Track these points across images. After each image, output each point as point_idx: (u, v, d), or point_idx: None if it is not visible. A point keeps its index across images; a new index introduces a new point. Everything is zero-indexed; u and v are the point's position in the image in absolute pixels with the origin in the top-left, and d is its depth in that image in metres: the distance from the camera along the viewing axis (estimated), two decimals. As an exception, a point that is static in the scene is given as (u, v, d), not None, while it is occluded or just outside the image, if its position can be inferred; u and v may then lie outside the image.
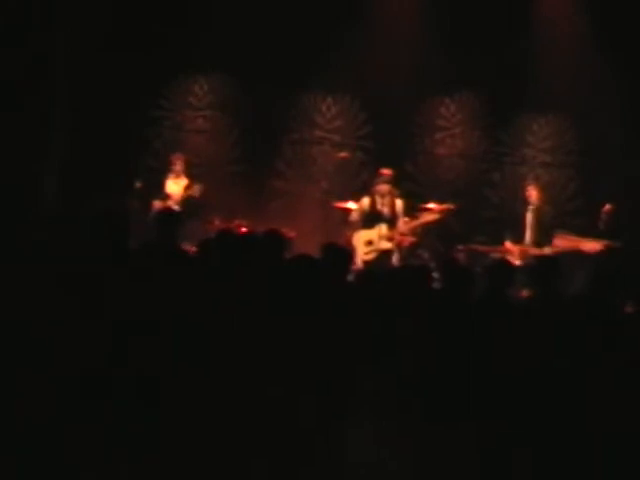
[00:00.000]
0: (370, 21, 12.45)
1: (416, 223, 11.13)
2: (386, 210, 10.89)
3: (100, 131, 11.98)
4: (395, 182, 11.66)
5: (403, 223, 11.00)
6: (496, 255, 10.91)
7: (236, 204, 12.09)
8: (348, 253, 6.11)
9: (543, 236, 11.08)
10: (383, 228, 10.79)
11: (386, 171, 11.61)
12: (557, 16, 12.50)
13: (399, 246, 11.11)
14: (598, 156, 12.83)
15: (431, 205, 11.68)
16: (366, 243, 10.80)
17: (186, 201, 11.35)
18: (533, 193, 11.46)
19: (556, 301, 5.94)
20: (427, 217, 11.17)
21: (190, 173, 11.62)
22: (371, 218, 10.85)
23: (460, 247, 11.63)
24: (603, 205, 11.32)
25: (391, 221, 10.90)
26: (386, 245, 10.76)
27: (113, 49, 11.96)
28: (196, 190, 11.32)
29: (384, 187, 10.85)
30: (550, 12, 12.52)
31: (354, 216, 11.05)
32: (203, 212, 11.60)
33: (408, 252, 11.25)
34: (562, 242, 11.12)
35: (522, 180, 12.67)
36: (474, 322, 5.37)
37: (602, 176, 12.65)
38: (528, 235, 11.21)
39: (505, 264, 6.65)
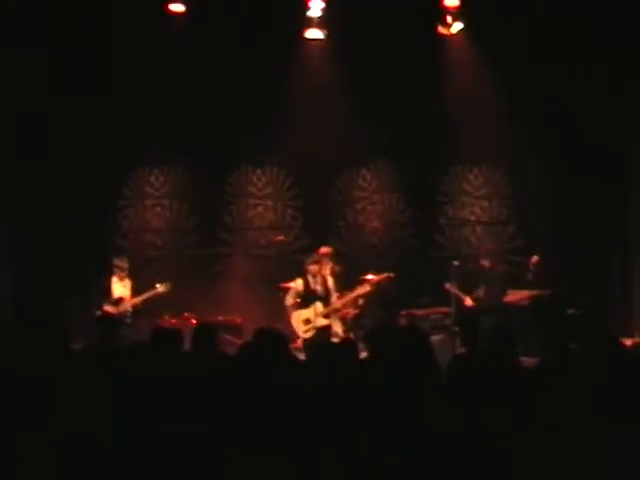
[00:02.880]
0: (291, 101, 12.95)
1: (348, 298, 11.49)
2: (319, 288, 11.24)
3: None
4: (333, 258, 12.19)
5: (336, 299, 11.37)
6: (436, 317, 11.38)
7: (186, 297, 12.46)
8: (280, 335, 6.43)
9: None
10: (318, 306, 11.13)
11: (325, 249, 12.10)
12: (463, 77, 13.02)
13: (343, 319, 11.51)
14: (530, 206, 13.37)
15: (369, 276, 12.13)
16: (304, 322, 11.15)
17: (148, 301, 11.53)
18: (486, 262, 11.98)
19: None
20: (359, 290, 11.52)
21: (134, 273, 11.85)
22: (306, 297, 11.19)
23: (402, 312, 12.02)
24: (530, 257, 11.86)
25: (325, 298, 11.24)
26: (323, 322, 11.08)
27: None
28: (164, 287, 11.46)
29: (314, 267, 11.18)
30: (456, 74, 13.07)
31: (288, 298, 11.40)
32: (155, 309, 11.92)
33: (353, 323, 11.65)
34: (514, 296, 11.64)
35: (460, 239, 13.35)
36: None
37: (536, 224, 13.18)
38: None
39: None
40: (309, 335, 10.92)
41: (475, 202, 13.90)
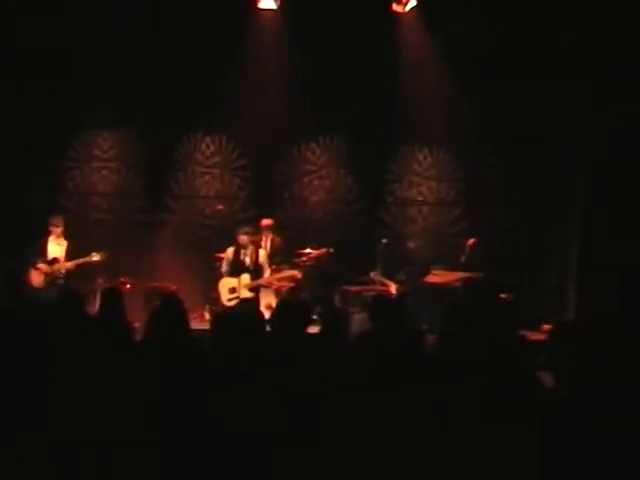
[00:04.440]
0: (243, 71, 12.88)
1: (276, 277, 11.52)
2: (248, 260, 11.26)
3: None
4: (275, 230, 12.20)
5: (268, 274, 11.41)
6: (370, 293, 11.39)
7: (125, 261, 12.40)
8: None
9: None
10: (244, 278, 11.17)
11: (266, 221, 12.13)
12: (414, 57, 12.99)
13: (278, 291, 11.53)
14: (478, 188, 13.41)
15: (308, 250, 12.18)
16: (230, 290, 11.17)
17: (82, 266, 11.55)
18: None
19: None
20: (290, 272, 11.58)
21: (69, 233, 11.76)
22: (235, 267, 11.22)
23: (338, 288, 12.05)
24: (467, 239, 11.91)
25: (254, 271, 11.27)
26: (247, 294, 11.12)
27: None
28: (99, 257, 11.49)
29: (243, 238, 11.20)
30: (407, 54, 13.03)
31: (224, 266, 11.43)
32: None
33: (287, 296, 11.65)
34: (436, 277, 11.67)
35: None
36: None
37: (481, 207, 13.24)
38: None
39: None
40: (231, 304, 10.96)
41: (423, 182, 13.93)
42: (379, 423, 4.66)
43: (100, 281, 11.74)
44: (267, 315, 6.52)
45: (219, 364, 5.74)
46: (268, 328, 6.21)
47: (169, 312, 6.39)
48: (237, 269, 11.18)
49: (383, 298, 7.97)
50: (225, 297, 11.15)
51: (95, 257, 11.44)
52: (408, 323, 6.71)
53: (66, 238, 11.65)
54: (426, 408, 4.52)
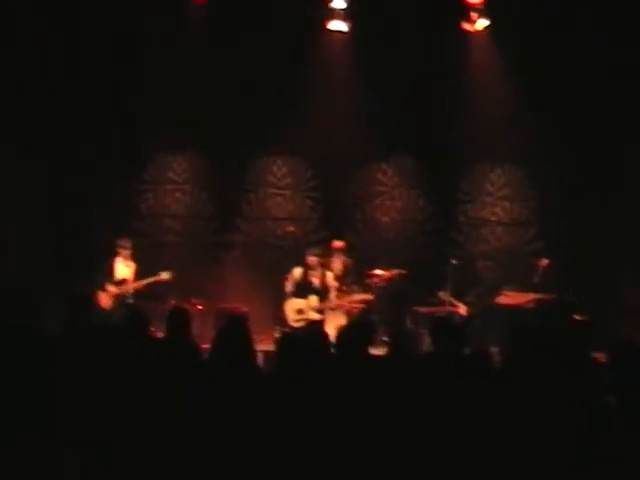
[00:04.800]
0: (314, 92, 12.88)
1: (346, 300, 11.45)
2: (316, 281, 11.22)
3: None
4: (346, 252, 12.16)
5: (334, 297, 11.35)
6: (443, 315, 11.25)
7: (197, 282, 12.50)
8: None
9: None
10: (312, 300, 11.12)
11: (337, 243, 12.10)
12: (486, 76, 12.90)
13: (349, 313, 11.46)
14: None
15: (379, 271, 12.10)
16: (297, 311, 11.13)
17: (151, 285, 11.61)
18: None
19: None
20: (360, 296, 11.50)
21: (137, 255, 11.83)
22: (302, 288, 11.18)
23: (409, 310, 11.94)
24: (540, 259, 11.72)
25: (322, 293, 11.22)
26: (315, 316, 11.06)
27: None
28: (167, 276, 11.57)
29: (312, 259, 11.17)
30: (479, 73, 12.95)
31: (287, 285, 11.40)
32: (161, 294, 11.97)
33: (357, 317, 11.55)
34: (507, 298, 11.50)
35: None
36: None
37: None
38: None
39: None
40: (299, 325, 10.90)
41: (496, 202, 13.76)
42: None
43: (171, 302, 11.76)
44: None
45: (283, 385, 5.73)
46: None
47: (233, 333, 6.38)
48: (304, 290, 11.13)
49: (443, 320, 7.86)
50: (292, 318, 11.10)
51: (164, 276, 11.52)
52: (474, 344, 6.60)
53: (134, 260, 11.75)
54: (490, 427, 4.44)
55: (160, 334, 7.73)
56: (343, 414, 5.29)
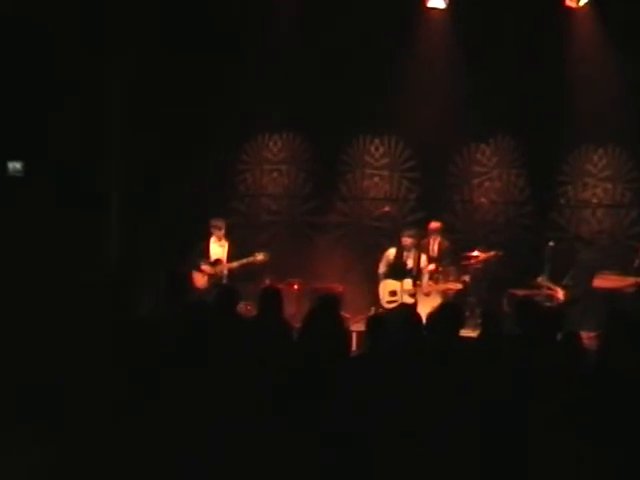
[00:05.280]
0: (412, 71, 12.76)
1: (438, 287, 11.39)
2: (411, 263, 11.12)
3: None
4: (443, 233, 12.05)
5: (427, 280, 11.32)
6: (540, 298, 11.06)
7: (294, 262, 12.57)
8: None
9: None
10: (406, 283, 11.05)
11: (434, 224, 12.00)
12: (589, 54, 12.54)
13: (445, 294, 11.36)
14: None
15: (476, 253, 11.95)
16: (390, 293, 11.06)
17: (246, 266, 11.67)
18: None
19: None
20: (451, 285, 11.41)
21: (230, 234, 11.94)
22: (395, 269, 11.10)
23: (506, 292, 11.74)
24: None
25: (415, 275, 11.14)
26: (409, 300, 10.99)
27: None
28: (262, 257, 11.63)
29: (408, 240, 11.08)
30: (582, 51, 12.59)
31: (380, 266, 11.32)
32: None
33: (455, 300, 11.43)
34: (606, 282, 11.23)
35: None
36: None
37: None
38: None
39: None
40: (391, 307, 10.84)
41: (598, 184, 13.41)
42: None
43: (268, 282, 11.84)
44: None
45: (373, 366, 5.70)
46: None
47: (323, 313, 6.38)
48: (397, 271, 11.06)
49: (529, 301, 7.76)
50: (385, 299, 11.05)
51: (259, 257, 11.55)
52: (565, 329, 6.45)
53: (227, 239, 11.83)
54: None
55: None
56: (432, 395, 5.24)
